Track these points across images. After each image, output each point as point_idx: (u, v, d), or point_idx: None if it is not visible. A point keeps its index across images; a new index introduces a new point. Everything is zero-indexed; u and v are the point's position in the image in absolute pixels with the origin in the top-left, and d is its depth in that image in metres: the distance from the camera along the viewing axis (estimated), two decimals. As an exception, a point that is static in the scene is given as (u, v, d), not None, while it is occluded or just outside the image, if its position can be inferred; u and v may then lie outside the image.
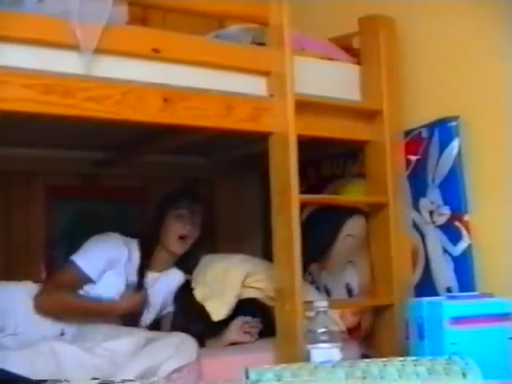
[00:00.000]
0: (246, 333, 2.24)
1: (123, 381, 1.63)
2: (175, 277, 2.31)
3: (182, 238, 2.27)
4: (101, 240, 2.21)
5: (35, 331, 2.03)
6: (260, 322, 2.28)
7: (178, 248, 2.28)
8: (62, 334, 2.08)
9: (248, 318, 2.26)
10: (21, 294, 2.11)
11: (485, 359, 1.54)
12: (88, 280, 2.14)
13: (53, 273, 2.18)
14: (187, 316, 2.26)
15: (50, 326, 2.07)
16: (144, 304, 2.22)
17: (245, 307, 2.26)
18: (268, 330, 2.11)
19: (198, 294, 2.24)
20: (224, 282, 2.24)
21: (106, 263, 2.16)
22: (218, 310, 2.20)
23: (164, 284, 2.29)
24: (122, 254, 2.20)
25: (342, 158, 2.53)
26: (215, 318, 2.19)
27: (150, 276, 2.27)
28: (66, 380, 1.64)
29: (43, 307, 2.08)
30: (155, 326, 2.27)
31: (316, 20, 2.45)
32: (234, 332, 2.23)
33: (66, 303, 2.09)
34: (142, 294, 2.20)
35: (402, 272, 2.14)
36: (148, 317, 2.25)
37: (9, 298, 2.10)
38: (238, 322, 2.24)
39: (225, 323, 2.24)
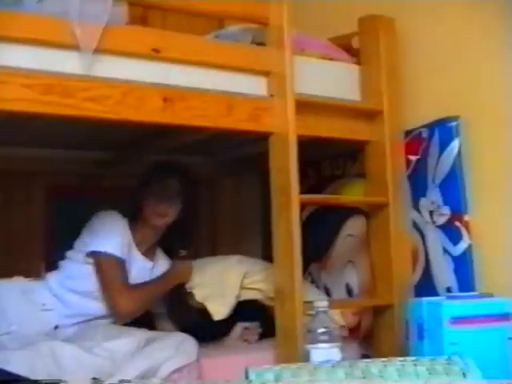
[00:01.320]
0: (245, 340, 2.25)
1: (122, 381, 1.63)
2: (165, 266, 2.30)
3: (158, 213, 2.21)
4: (109, 220, 2.16)
5: (29, 328, 2.01)
6: (259, 325, 2.28)
7: (158, 221, 2.21)
8: (56, 328, 2.07)
9: (247, 324, 2.26)
10: (11, 292, 2.09)
11: (485, 359, 1.54)
12: (124, 262, 2.10)
13: (98, 273, 2.09)
14: (185, 316, 2.26)
15: (43, 322, 2.06)
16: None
17: (245, 309, 2.26)
18: (268, 330, 2.11)
19: (198, 294, 2.24)
20: (223, 282, 2.24)
21: (123, 243, 2.13)
22: (219, 310, 2.20)
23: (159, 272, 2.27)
24: (127, 233, 2.18)
25: (342, 158, 2.53)
26: (216, 318, 2.19)
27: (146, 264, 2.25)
28: (65, 380, 1.64)
29: (128, 314, 2.05)
30: (150, 320, 2.26)
31: (316, 20, 2.45)
32: (234, 340, 2.24)
33: (141, 296, 2.07)
34: (190, 262, 2.21)
35: (402, 272, 2.14)
36: None
37: (6, 295, 2.08)
38: (238, 329, 2.24)
39: (224, 325, 2.25)
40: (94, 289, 2.11)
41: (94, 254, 2.09)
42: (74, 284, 2.13)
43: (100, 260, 2.09)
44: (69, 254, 2.19)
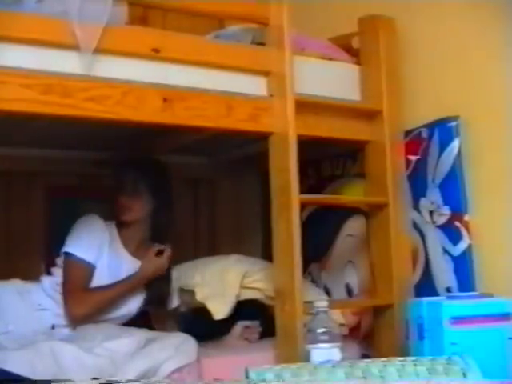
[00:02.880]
0: (246, 339, 2.25)
1: (121, 381, 1.63)
2: None
3: (118, 209, 2.20)
4: (85, 224, 2.17)
5: (26, 327, 2.02)
6: (260, 324, 2.28)
7: (124, 216, 2.20)
8: (53, 328, 2.07)
9: (247, 323, 2.26)
10: (9, 293, 2.10)
11: (485, 359, 1.54)
12: (93, 267, 2.11)
13: (63, 274, 2.11)
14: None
15: (40, 321, 2.07)
16: (170, 263, 2.18)
17: (245, 308, 2.26)
18: (268, 330, 2.11)
19: (199, 293, 2.24)
20: (223, 282, 2.24)
21: (98, 246, 2.14)
22: (219, 309, 2.19)
23: None
24: (105, 235, 2.17)
25: (342, 158, 2.53)
26: (217, 317, 2.19)
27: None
28: (65, 380, 1.64)
29: (77, 317, 2.05)
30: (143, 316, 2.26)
31: (316, 20, 2.45)
32: (234, 339, 2.24)
33: (95, 301, 2.06)
34: (164, 255, 2.16)
35: (402, 272, 2.14)
36: (135, 304, 2.22)
37: (3, 295, 2.08)
38: (238, 328, 2.24)
39: (225, 324, 2.25)
40: None
41: (63, 255, 2.13)
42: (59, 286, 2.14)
43: (65, 261, 2.12)
44: (57, 259, 2.20)
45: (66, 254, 2.12)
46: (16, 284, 2.15)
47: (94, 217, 2.20)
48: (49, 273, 2.21)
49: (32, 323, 2.05)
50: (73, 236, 2.14)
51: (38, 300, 2.12)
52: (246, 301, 2.25)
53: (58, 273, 2.16)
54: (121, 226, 2.22)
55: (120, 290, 2.10)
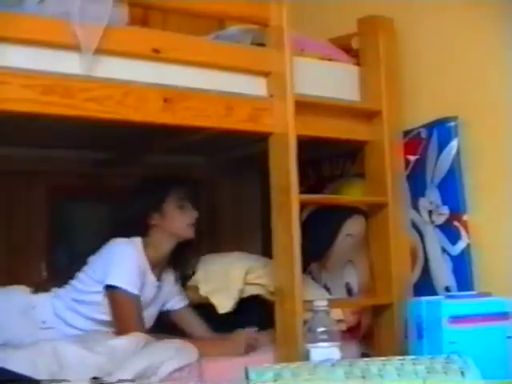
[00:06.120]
0: (249, 346, 2.19)
1: (120, 381, 1.63)
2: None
3: (192, 224, 2.23)
4: (125, 252, 2.11)
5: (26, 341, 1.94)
6: (258, 321, 2.28)
7: (190, 233, 2.23)
8: None
9: (252, 331, 2.20)
10: (9, 306, 2.05)
11: (483, 358, 1.54)
12: (139, 298, 2.09)
13: (114, 310, 2.06)
14: None
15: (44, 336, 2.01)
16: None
17: (247, 305, 2.26)
18: (265, 323, 2.10)
19: (202, 288, 2.25)
20: (226, 278, 2.25)
21: (139, 276, 2.10)
22: (223, 303, 2.20)
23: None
24: (142, 262, 2.14)
25: (342, 158, 2.53)
26: (221, 311, 2.19)
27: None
28: (68, 380, 1.64)
29: None
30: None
31: (316, 21, 2.46)
32: (237, 344, 2.16)
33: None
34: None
35: (401, 271, 2.14)
36: (152, 312, 2.23)
37: (4, 309, 2.03)
38: (243, 334, 2.18)
39: (226, 320, 2.25)
40: (106, 318, 2.10)
41: (109, 288, 2.06)
42: (83, 309, 2.10)
43: (115, 295, 2.06)
44: (80, 276, 2.15)
45: (112, 287, 2.05)
46: (19, 294, 2.10)
47: (130, 242, 2.14)
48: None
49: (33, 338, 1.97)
50: (114, 266, 2.07)
51: (41, 317, 2.08)
52: (249, 298, 2.26)
53: (77, 289, 2.12)
54: (147, 244, 2.18)
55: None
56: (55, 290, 2.16)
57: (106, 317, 2.10)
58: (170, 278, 2.31)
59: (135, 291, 2.06)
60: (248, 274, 2.25)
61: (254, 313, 2.28)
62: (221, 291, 2.22)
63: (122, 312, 2.06)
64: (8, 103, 1.58)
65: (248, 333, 2.16)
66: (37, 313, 2.08)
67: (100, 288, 2.08)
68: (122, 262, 2.09)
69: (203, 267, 2.32)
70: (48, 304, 2.11)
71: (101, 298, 2.09)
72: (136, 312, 2.07)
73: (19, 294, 2.12)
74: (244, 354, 2.06)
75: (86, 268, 2.16)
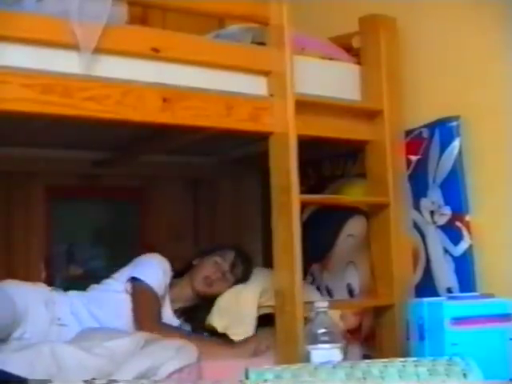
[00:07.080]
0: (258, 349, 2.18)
1: (112, 381, 1.62)
2: None
3: (207, 278, 2.27)
4: (158, 260, 2.23)
5: (40, 339, 1.99)
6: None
7: (201, 286, 2.28)
8: None
9: (262, 336, 2.18)
10: (35, 300, 2.08)
11: (485, 360, 1.54)
12: (159, 299, 2.16)
13: (135, 298, 2.13)
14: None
15: (58, 337, 2.04)
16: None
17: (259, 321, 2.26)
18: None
19: (218, 324, 2.24)
20: (239, 307, 2.24)
21: (160, 287, 2.18)
22: (241, 334, 2.20)
23: None
24: (167, 281, 2.23)
25: (342, 158, 2.52)
26: (238, 340, 2.19)
27: None
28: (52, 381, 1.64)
29: None
30: None
31: (316, 20, 2.45)
32: (242, 348, 2.17)
33: (169, 336, 1.99)
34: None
35: (403, 272, 2.13)
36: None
37: (26, 303, 2.05)
38: (254, 342, 2.17)
39: None
40: (120, 325, 2.12)
41: (134, 280, 2.14)
42: (99, 312, 2.15)
43: (139, 287, 2.14)
44: (106, 280, 2.23)
45: (137, 279, 2.14)
46: (42, 290, 2.16)
47: (165, 259, 2.26)
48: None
49: (49, 337, 2.04)
50: (143, 264, 2.19)
51: (59, 313, 2.11)
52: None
53: (100, 293, 2.17)
54: (179, 281, 2.27)
55: (194, 342, 1.97)
56: (72, 292, 2.21)
57: (121, 323, 2.12)
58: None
59: (157, 289, 2.14)
60: (261, 298, 2.25)
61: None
62: (237, 325, 2.21)
63: (143, 302, 2.12)
64: (7, 103, 1.58)
65: (258, 337, 2.17)
66: (56, 309, 2.12)
67: (122, 287, 2.15)
68: (151, 263, 2.20)
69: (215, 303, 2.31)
70: (66, 302, 2.16)
71: (122, 297, 2.14)
72: (155, 306, 2.14)
73: (44, 289, 2.18)
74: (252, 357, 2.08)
75: (114, 275, 2.24)
